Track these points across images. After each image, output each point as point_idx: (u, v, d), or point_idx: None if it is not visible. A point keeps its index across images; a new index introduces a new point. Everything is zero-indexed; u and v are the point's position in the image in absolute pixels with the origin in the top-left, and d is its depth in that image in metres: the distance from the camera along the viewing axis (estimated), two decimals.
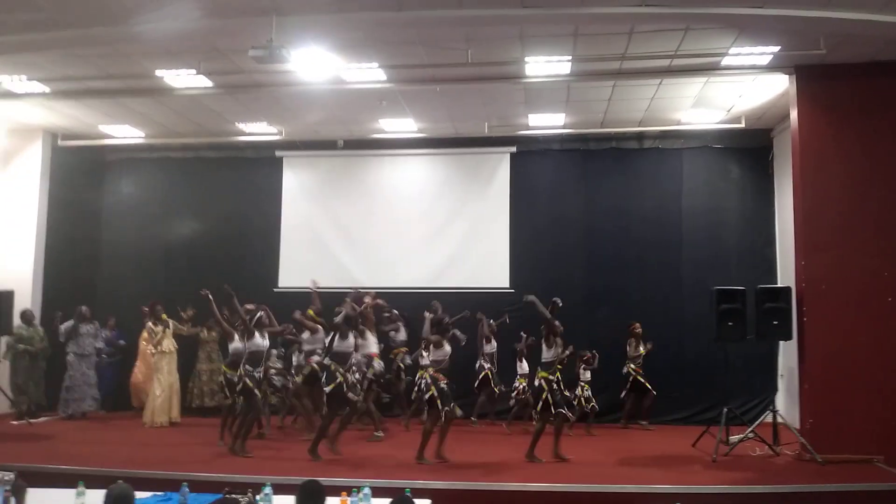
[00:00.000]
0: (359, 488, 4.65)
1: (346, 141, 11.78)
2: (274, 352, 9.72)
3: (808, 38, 7.67)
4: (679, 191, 11.24)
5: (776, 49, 7.94)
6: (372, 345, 9.26)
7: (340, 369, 7.71)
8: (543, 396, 7.61)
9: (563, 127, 10.99)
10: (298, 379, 8.78)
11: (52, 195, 11.59)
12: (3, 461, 6.62)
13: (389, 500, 4.44)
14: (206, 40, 7.85)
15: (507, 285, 11.32)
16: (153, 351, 10.29)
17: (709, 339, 8.78)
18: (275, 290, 11.34)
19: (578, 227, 11.38)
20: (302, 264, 11.68)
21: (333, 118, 10.71)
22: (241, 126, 11.12)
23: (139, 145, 12.07)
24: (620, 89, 9.31)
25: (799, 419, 8.46)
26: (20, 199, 11.38)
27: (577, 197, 11.47)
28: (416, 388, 9.54)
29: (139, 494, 4.42)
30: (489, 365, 9.94)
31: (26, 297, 10.79)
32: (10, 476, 4.50)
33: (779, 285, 9.51)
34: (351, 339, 7.90)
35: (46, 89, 9.49)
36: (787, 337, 8.46)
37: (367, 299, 9.42)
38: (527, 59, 8.34)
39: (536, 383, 7.80)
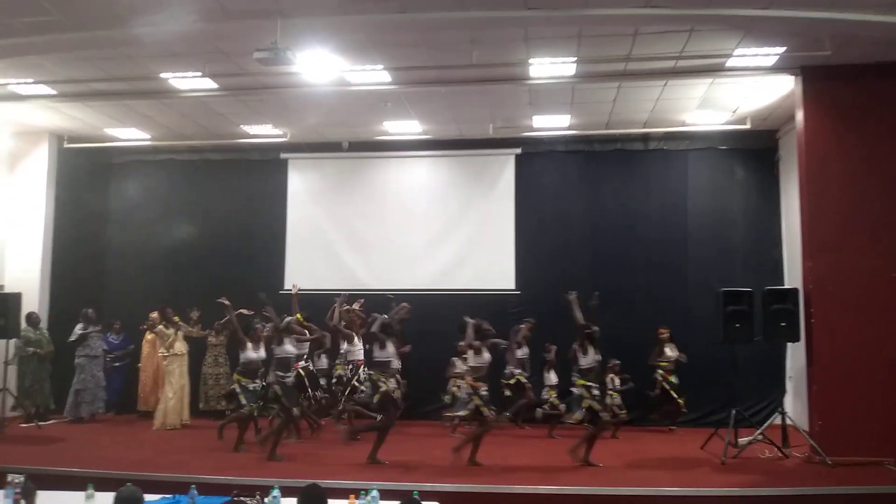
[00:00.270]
0: (367, 491, 4.63)
1: (350, 143, 11.82)
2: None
3: (814, 40, 7.67)
4: (684, 192, 11.22)
5: (781, 50, 7.93)
6: (358, 352, 9.24)
7: (383, 377, 7.65)
8: (586, 404, 7.55)
9: (568, 128, 10.98)
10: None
11: (59, 198, 11.64)
12: (12, 464, 6.65)
13: (398, 502, 4.43)
14: (210, 43, 7.86)
15: (513, 287, 11.32)
16: (165, 354, 10.30)
17: (716, 340, 8.75)
18: (280, 292, 11.34)
19: (584, 228, 11.37)
20: (307, 266, 11.72)
21: (338, 120, 10.72)
22: (246, 128, 11.14)
23: (145, 147, 12.11)
24: (625, 91, 9.30)
25: (808, 421, 8.43)
26: (27, 201, 11.42)
27: (582, 198, 11.45)
28: (446, 396, 9.59)
29: (148, 497, 4.42)
30: (520, 370, 9.85)
31: (33, 299, 10.82)
32: (19, 479, 4.50)
33: (786, 286, 9.49)
34: (389, 346, 7.79)
35: (52, 92, 9.52)
36: (795, 338, 8.44)
37: (356, 305, 9.40)
38: (531, 60, 8.34)
39: (577, 391, 7.73)
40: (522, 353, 9.94)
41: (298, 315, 9.03)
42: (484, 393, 7.56)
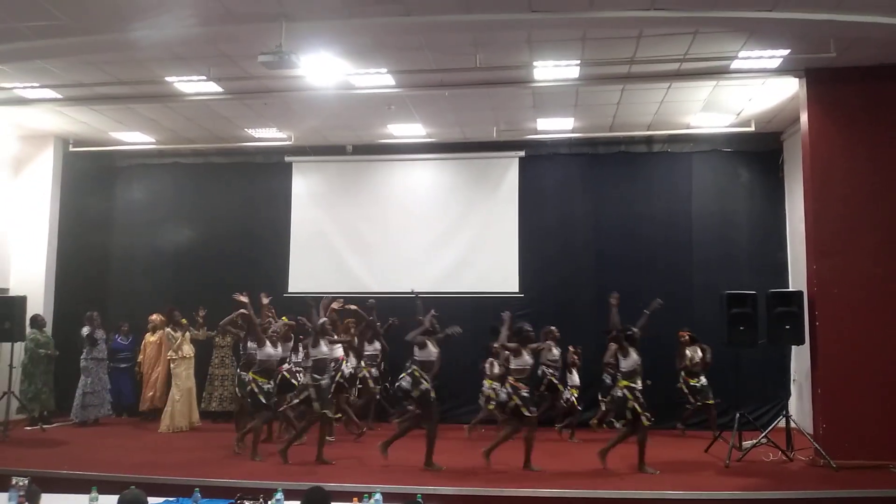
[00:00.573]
0: (370, 494, 4.64)
1: (354, 146, 11.84)
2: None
3: (818, 42, 7.65)
4: (689, 195, 11.20)
5: (786, 52, 7.92)
6: (338, 349, 9.21)
7: (426, 376, 7.67)
8: (630, 405, 7.49)
9: (572, 131, 10.98)
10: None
11: (64, 201, 11.69)
12: (17, 467, 6.66)
13: None
14: (215, 46, 7.89)
15: (517, 290, 11.30)
16: (173, 356, 10.31)
17: (720, 343, 8.73)
18: (285, 294, 11.35)
19: (587, 231, 11.35)
20: (311, 269, 11.74)
21: (342, 123, 10.74)
22: (251, 132, 11.18)
23: (150, 151, 12.15)
24: (629, 93, 9.29)
25: (812, 424, 8.40)
26: (32, 204, 11.48)
27: (586, 201, 11.44)
28: (484, 399, 9.56)
29: (152, 500, 4.43)
30: (552, 371, 9.77)
31: (38, 302, 10.86)
32: (24, 482, 4.52)
33: (790, 289, 9.46)
34: (431, 347, 7.78)
35: (58, 96, 9.56)
36: (800, 341, 8.40)
37: (335, 305, 9.39)
38: (535, 63, 8.34)
39: (620, 393, 7.67)
40: (553, 354, 9.73)
41: (284, 318, 9.04)
42: (525, 395, 7.52)
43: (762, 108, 9.77)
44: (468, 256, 11.53)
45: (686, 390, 9.72)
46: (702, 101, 9.57)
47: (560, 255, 11.29)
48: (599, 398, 9.96)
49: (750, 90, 9.13)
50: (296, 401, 8.16)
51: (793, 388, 10.49)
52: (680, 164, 11.30)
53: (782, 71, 8.41)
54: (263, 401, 8.04)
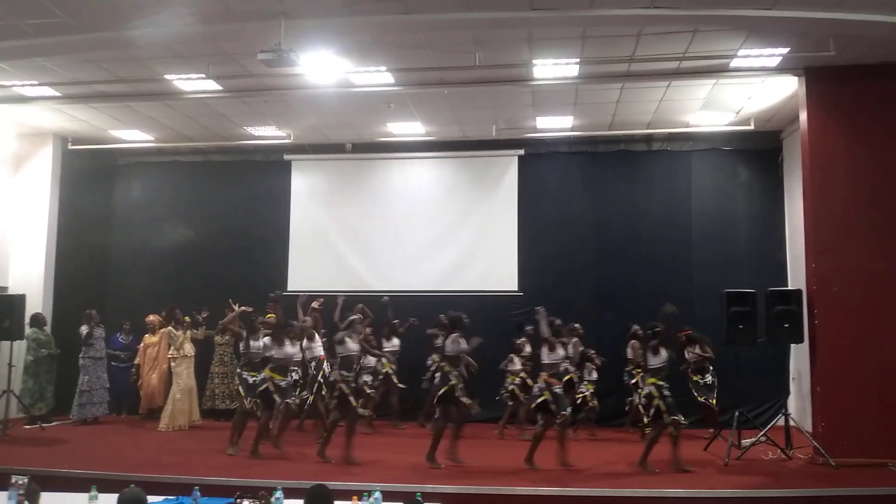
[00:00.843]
0: (369, 492, 4.64)
1: (354, 144, 11.83)
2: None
3: (818, 40, 7.65)
4: (688, 193, 11.20)
5: (785, 51, 7.92)
6: (319, 348, 9.19)
7: (455, 371, 7.64)
8: (655, 403, 7.46)
9: (572, 129, 10.97)
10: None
11: (63, 199, 11.67)
12: (16, 465, 6.67)
13: None
14: (214, 44, 7.88)
15: (516, 288, 11.31)
16: (174, 355, 10.31)
17: (719, 342, 8.73)
18: (284, 293, 11.33)
19: (587, 229, 11.36)
20: (311, 267, 11.75)
21: (341, 122, 10.74)
22: (250, 130, 11.17)
23: (149, 149, 12.14)
24: (629, 92, 9.29)
25: (811, 422, 8.41)
26: (31, 203, 11.46)
27: (585, 200, 11.45)
28: (504, 392, 9.59)
29: (152, 498, 4.43)
30: (574, 369, 9.79)
31: (37, 300, 10.84)
32: (23, 480, 4.52)
33: (789, 288, 9.46)
34: (462, 342, 7.74)
35: (57, 94, 9.55)
36: (799, 340, 8.41)
37: (315, 304, 9.37)
38: (535, 61, 8.34)
39: (647, 391, 7.64)
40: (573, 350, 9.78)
41: (270, 315, 8.98)
42: (557, 390, 7.49)
43: (761, 106, 9.77)
44: (467, 255, 11.53)
45: (695, 392, 9.71)
46: (701, 100, 9.57)
47: (559, 253, 11.30)
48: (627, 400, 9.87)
49: (749, 88, 9.13)
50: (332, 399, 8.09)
51: (792, 386, 10.50)
52: (679, 162, 11.30)
53: (782, 69, 8.41)
54: (277, 398, 8.00)
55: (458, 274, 11.48)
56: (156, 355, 10.95)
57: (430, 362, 10.02)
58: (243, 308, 8.90)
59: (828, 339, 7.97)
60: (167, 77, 8.89)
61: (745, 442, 8.31)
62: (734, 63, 8.26)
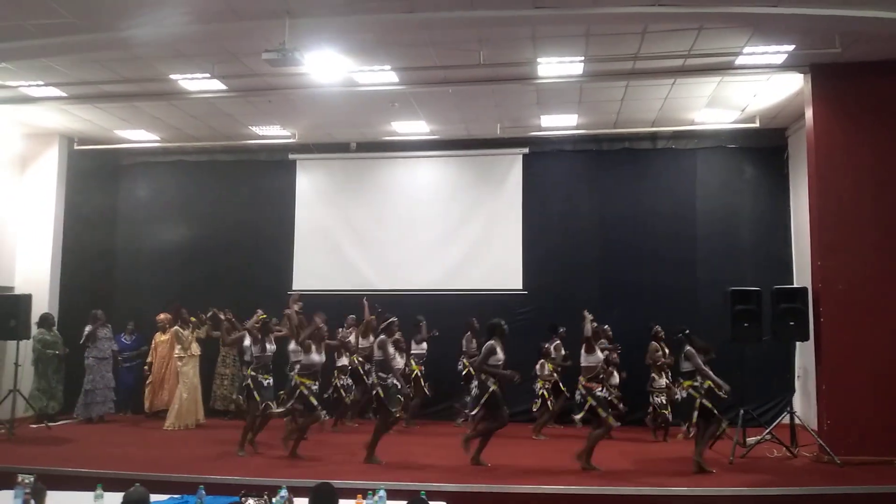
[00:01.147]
0: (374, 490, 4.65)
1: (358, 143, 11.84)
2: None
3: (823, 37, 7.62)
4: (693, 191, 11.18)
5: (791, 48, 7.88)
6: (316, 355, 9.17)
7: (493, 378, 7.60)
8: (697, 405, 7.40)
9: (576, 128, 10.96)
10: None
11: (69, 199, 11.71)
12: (22, 464, 6.70)
13: (405, 502, 4.44)
14: (219, 44, 7.89)
15: (520, 287, 11.31)
16: (181, 354, 10.33)
17: (724, 340, 8.71)
18: (289, 292, 11.36)
19: (592, 228, 11.34)
20: (315, 266, 11.78)
21: (346, 121, 10.74)
22: (255, 129, 11.18)
23: (154, 149, 12.17)
24: (633, 89, 9.27)
25: (816, 420, 8.38)
26: (37, 203, 11.49)
27: (590, 198, 11.43)
28: (539, 398, 9.57)
29: (157, 497, 4.45)
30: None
31: (43, 300, 10.89)
32: (29, 479, 4.54)
33: (795, 286, 9.44)
34: (500, 353, 7.67)
35: (63, 94, 9.58)
36: (804, 338, 8.40)
37: (295, 305, 9.29)
38: (539, 59, 8.33)
39: (685, 394, 7.58)
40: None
41: (259, 312, 8.94)
42: (599, 394, 7.45)
43: (767, 104, 9.74)
44: (472, 253, 11.53)
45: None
46: (706, 98, 9.55)
47: (564, 251, 11.28)
48: (663, 401, 9.68)
49: (755, 86, 9.10)
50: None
51: (797, 384, 10.47)
52: (684, 160, 11.28)
53: (787, 67, 8.38)
54: (314, 402, 7.97)
55: (462, 272, 11.48)
56: (167, 354, 10.98)
57: (460, 366, 10.04)
58: (257, 311, 8.86)
59: (833, 336, 7.95)
60: (172, 77, 8.91)
61: (750, 440, 8.29)
62: (739, 60, 8.23)
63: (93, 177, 12.10)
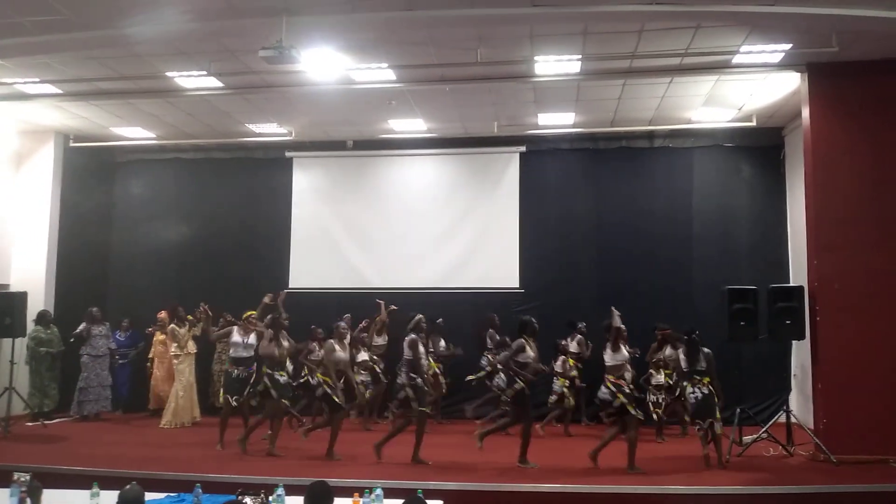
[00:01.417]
0: (371, 489, 4.66)
1: (355, 141, 11.83)
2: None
3: (821, 36, 7.62)
4: (690, 190, 11.19)
5: (788, 47, 7.89)
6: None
7: (522, 375, 7.55)
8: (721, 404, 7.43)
9: (573, 126, 10.96)
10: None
11: (64, 196, 11.67)
12: (18, 462, 6.68)
13: (402, 501, 4.44)
14: (216, 41, 7.87)
15: (517, 285, 11.31)
16: (177, 352, 10.30)
17: (721, 338, 8.73)
18: (285, 290, 11.34)
19: (588, 226, 11.35)
20: (312, 264, 11.77)
21: (343, 118, 10.73)
22: (251, 127, 11.16)
23: (150, 146, 12.14)
24: (630, 88, 9.27)
25: (813, 419, 8.41)
26: (32, 200, 11.46)
27: (587, 196, 11.44)
28: (553, 396, 9.54)
29: (153, 495, 4.45)
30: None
31: (39, 298, 10.85)
32: (25, 477, 4.53)
33: (791, 284, 9.45)
34: (529, 350, 7.63)
35: (58, 91, 9.55)
36: (800, 336, 8.42)
37: (266, 299, 9.20)
38: (536, 58, 8.32)
39: (706, 391, 7.55)
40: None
41: (251, 311, 8.92)
42: (628, 391, 7.40)
43: (764, 103, 9.75)
44: (469, 252, 11.52)
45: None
46: (703, 96, 9.55)
47: (561, 250, 11.29)
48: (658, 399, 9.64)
49: (752, 85, 9.11)
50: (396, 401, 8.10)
51: (793, 383, 10.49)
52: (681, 159, 11.29)
53: (784, 65, 8.39)
54: (338, 400, 7.97)
55: (459, 271, 11.47)
56: (166, 351, 10.97)
57: (484, 362, 10.02)
58: (264, 299, 8.86)
59: (829, 335, 7.97)
60: (169, 74, 8.88)
61: (747, 438, 8.31)
62: (736, 59, 8.23)
63: (89, 174, 12.06)
